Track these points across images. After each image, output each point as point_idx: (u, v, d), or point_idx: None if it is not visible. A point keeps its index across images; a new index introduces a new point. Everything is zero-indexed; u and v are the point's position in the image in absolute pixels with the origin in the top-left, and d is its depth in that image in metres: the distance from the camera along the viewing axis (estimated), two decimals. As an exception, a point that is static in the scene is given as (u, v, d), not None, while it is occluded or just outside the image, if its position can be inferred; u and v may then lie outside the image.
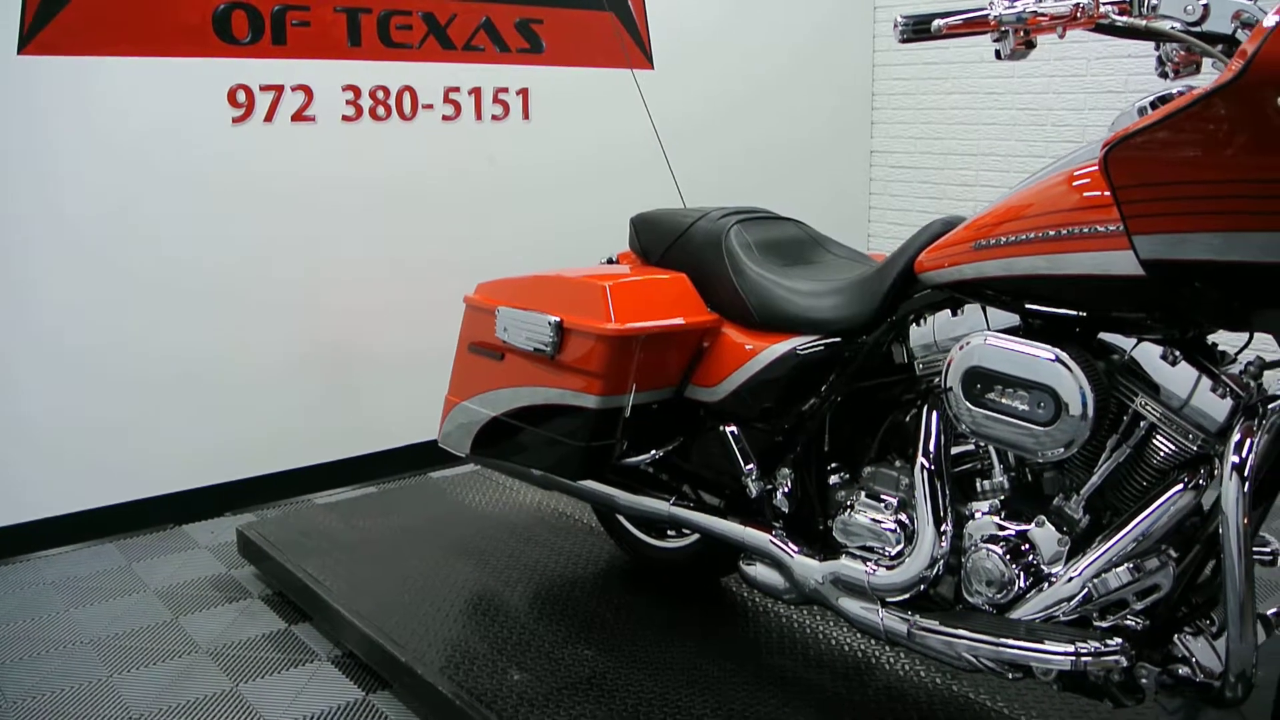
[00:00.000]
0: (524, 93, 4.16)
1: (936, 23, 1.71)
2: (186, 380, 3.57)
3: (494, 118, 4.11)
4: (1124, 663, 1.72)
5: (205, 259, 3.57)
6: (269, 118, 3.62)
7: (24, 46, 3.22)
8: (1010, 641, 1.82)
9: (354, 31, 3.74)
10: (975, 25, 1.72)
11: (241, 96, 3.56)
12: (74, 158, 3.31)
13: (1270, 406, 1.56)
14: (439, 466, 3.87)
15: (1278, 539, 1.86)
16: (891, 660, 2.46)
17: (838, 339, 2.21)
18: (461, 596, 2.81)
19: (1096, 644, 1.73)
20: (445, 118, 3.99)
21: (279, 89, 3.62)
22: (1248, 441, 1.51)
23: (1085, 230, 1.67)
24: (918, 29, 1.74)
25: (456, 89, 4.00)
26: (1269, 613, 1.84)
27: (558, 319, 2.42)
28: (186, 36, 3.44)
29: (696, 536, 2.73)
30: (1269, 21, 1.35)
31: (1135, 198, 1.54)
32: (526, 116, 4.19)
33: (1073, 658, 1.74)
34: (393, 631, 2.60)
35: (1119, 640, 1.73)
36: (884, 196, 5.42)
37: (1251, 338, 1.78)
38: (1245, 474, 1.50)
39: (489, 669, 2.42)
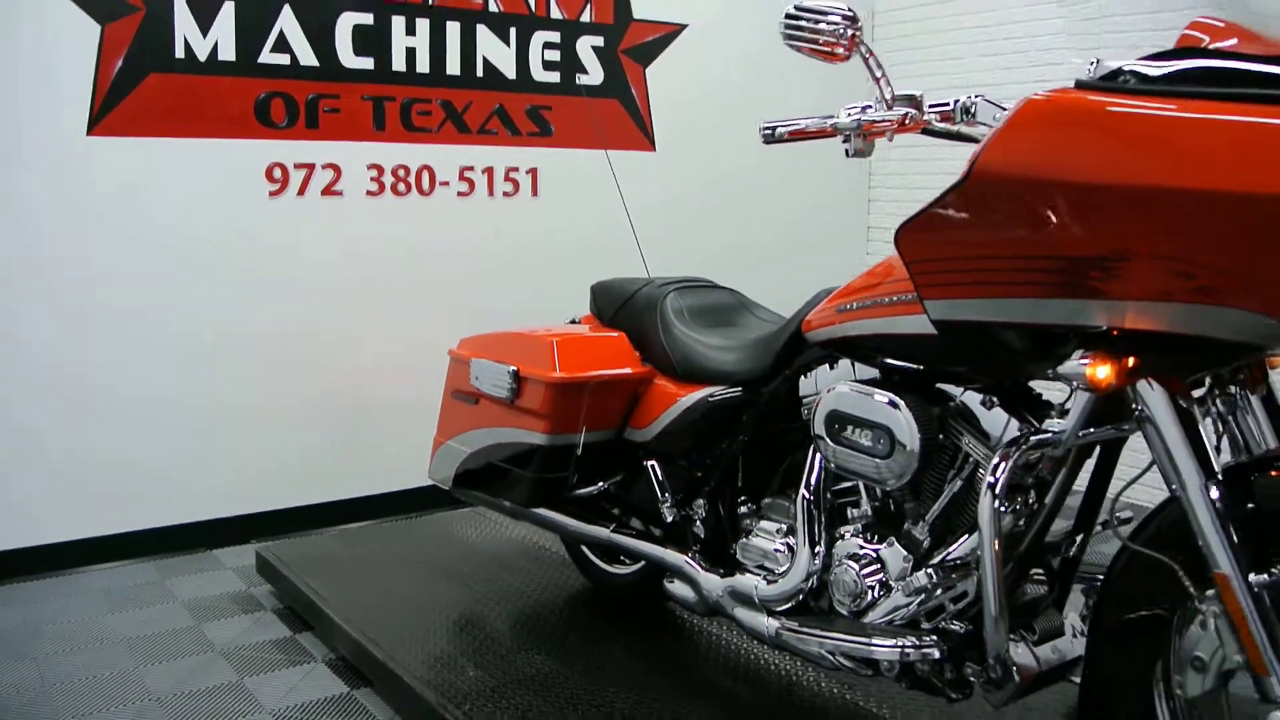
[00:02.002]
0: (533, 172, 4.64)
1: (780, 129, 2.12)
2: (223, 425, 4.05)
3: (505, 194, 4.58)
4: (937, 655, 2.07)
5: (241, 317, 4.06)
6: (301, 192, 4.13)
7: (93, 128, 3.76)
8: (852, 639, 2.19)
9: (379, 117, 4.24)
10: (819, 132, 2.13)
11: (278, 173, 4.07)
12: (130, 225, 3.83)
13: (1033, 438, 1.93)
14: (445, 508, 4.27)
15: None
16: (799, 673, 2.81)
17: (742, 389, 2.61)
18: (440, 611, 3.21)
19: (916, 640, 2.10)
20: (460, 194, 4.48)
21: (310, 167, 4.13)
22: (1001, 465, 1.88)
23: (907, 297, 2.05)
24: (771, 130, 2.16)
25: (471, 168, 4.49)
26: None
27: (515, 368, 2.85)
28: (231, 121, 3.97)
29: (643, 563, 3.11)
30: (988, 137, 1.74)
31: (920, 270, 1.93)
32: (535, 193, 4.66)
33: (898, 650, 2.11)
34: (375, 636, 3.00)
35: (935, 638, 2.09)
36: (880, 269, 5.79)
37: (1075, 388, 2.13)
38: (996, 492, 1.87)
39: (451, 666, 2.82)
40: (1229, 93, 1.55)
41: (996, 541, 1.88)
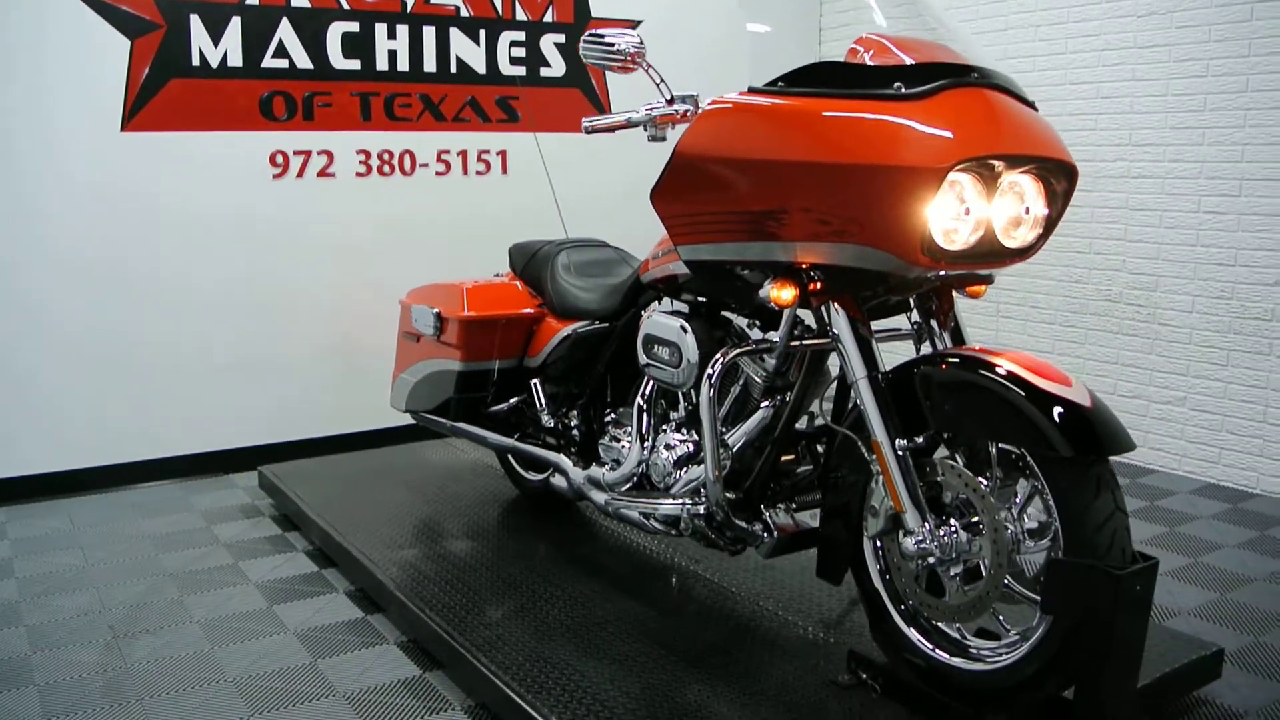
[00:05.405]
0: (503, 154, 5.38)
1: (587, 123, 2.83)
2: (237, 370, 4.86)
3: (478, 173, 5.34)
4: (701, 511, 2.76)
5: (253, 279, 4.86)
6: (300, 174, 4.92)
7: (126, 125, 4.57)
8: (649, 501, 2.91)
9: (365, 109, 5.01)
10: (623, 124, 2.83)
11: (280, 159, 4.86)
12: (159, 204, 4.64)
13: (752, 344, 2.63)
14: (420, 440, 5.03)
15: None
16: (658, 551, 3.53)
17: (604, 324, 3.33)
18: (394, 510, 3.98)
19: (691, 500, 2.81)
20: (438, 173, 5.24)
21: (307, 153, 4.92)
22: (719, 360, 2.58)
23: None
24: (590, 124, 2.86)
25: (447, 151, 5.24)
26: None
27: (439, 310, 3.60)
28: (240, 116, 4.76)
29: (551, 470, 3.85)
30: (687, 127, 2.43)
31: (671, 224, 2.62)
32: (505, 172, 5.40)
33: (679, 506, 2.82)
34: (340, 527, 3.78)
35: (704, 499, 2.79)
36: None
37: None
38: (712, 382, 2.57)
39: (392, 546, 3.59)
40: (839, 92, 2.24)
41: (713, 418, 2.58)
